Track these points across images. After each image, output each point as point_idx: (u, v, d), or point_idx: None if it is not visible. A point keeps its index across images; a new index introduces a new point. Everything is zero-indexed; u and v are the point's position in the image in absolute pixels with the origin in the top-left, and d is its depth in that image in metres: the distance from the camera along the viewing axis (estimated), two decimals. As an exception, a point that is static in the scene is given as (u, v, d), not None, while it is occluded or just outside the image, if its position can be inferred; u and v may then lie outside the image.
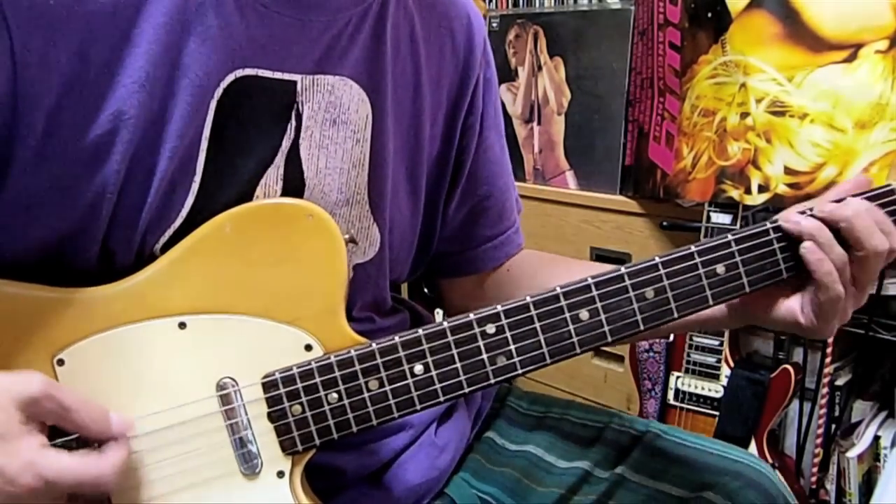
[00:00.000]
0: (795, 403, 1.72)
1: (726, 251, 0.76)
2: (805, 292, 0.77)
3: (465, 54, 0.91)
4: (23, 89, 0.64)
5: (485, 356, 0.74)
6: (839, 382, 1.70)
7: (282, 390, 0.72)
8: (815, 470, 1.71)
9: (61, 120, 0.65)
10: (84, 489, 0.62)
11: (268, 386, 0.72)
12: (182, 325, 0.71)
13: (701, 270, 0.76)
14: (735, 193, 1.53)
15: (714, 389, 1.68)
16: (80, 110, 0.66)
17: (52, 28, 0.63)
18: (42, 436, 0.61)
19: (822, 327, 0.77)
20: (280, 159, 0.77)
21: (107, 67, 0.66)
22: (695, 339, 1.68)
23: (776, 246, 0.77)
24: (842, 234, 0.75)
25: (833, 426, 1.71)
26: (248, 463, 0.72)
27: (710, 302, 0.76)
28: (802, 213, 0.77)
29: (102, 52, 0.66)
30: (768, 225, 0.77)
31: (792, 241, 0.77)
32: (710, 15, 1.56)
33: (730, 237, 0.76)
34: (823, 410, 1.70)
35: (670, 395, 1.73)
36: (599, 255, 1.97)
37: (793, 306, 0.78)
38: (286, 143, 0.77)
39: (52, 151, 0.66)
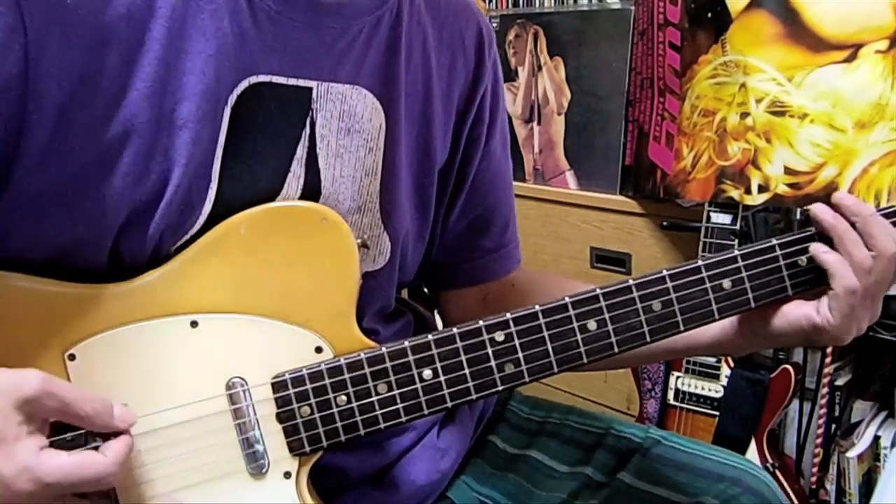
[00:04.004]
0: (795, 403, 1.73)
1: (733, 266, 0.78)
2: (820, 297, 0.78)
3: (476, 65, 0.92)
4: (34, 85, 0.63)
5: (493, 363, 0.74)
6: (839, 382, 1.70)
7: (291, 391, 0.72)
8: (815, 470, 1.72)
9: (72, 119, 0.65)
10: (86, 488, 0.61)
11: (277, 386, 0.72)
12: (194, 324, 0.71)
13: (708, 285, 0.77)
14: (735, 193, 1.53)
15: (714, 389, 1.68)
16: (92, 111, 0.66)
17: (68, 27, 0.63)
18: (41, 437, 0.60)
19: (840, 329, 0.77)
20: (298, 168, 0.77)
21: (120, 70, 0.66)
22: (695, 339, 1.68)
23: (782, 263, 0.78)
24: (856, 230, 0.76)
25: (833, 426, 1.71)
26: (255, 463, 0.72)
27: (716, 316, 0.78)
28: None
29: (116, 54, 0.66)
30: (774, 241, 0.78)
31: (798, 257, 0.78)
32: (710, 15, 1.56)
33: (736, 252, 0.78)
34: (823, 410, 1.70)
35: (670, 395, 1.74)
36: (599, 255, 1.97)
37: (808, 311, 0.78)
38: (301, 151, 0.77)
39: (62, 151, 0.65)
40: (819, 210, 0.78)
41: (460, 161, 0.93)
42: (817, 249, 0.77)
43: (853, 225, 0.76)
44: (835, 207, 0.78)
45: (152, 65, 0.67)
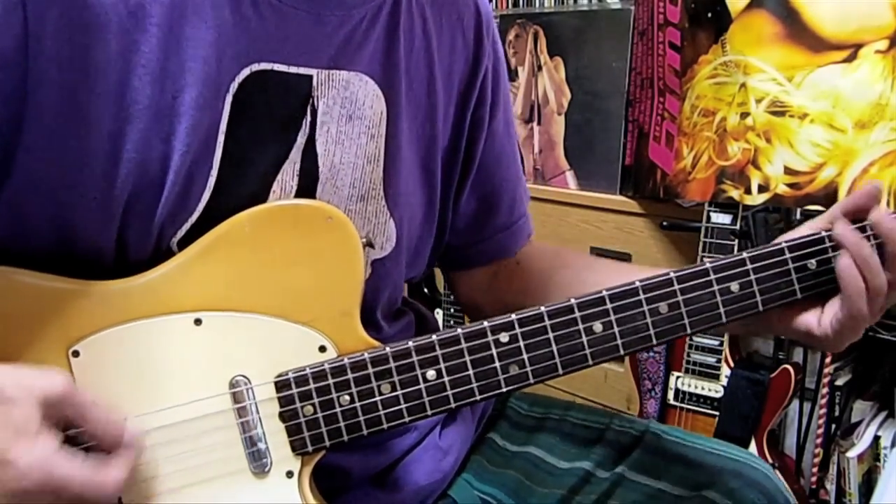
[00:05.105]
0: (795, 403, 1.73)
1: (741, 269, 0.76)
2: (824, 307, 0.77)
3: (475, 45, 0.92)
4: (34, 64, 0.63)
5: (497, 364, 0.74)
6: (839, 382, 1.70)
7: (294, 391, 0.72)
8: (815, 470, 1.71)
9: (74, 105, 0.65)
10: (86, 498, 0.61)
11: (280, 386, 0.72)
12: (198, 322, 0.71)
13: (715, 287, 0.76)
14: (735, 193, 1.53)
15: (714, 389, 1.68)
16: (94, 97, 0.66)
17: (68, 8, 0.64)
18: (59, 436, 0.61)
19: (836, 342, 0.77)
20: (296, 154, 0.77)
21: (121, 56, 0.66)
22: (695, 339, 1.68)
23: (791, 266, 0.77)
24: (883, 250, 0.75)
25: (833, 426, 1.71)
26: (258, 462, 0.72)
27: (724, 319, 0.76)
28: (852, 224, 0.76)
29: (117, 39, 0.66)
30: (783, 244, 0.77)
31: (807, 261, 0.77)
32: (710, 15, 1.56)
33: (745, 255, 0.76)
34: (823, 410, 1.70)
35: (670, 395, 1.74)
36: (599, 256, 1.96)
37: (809, 320, 0.78)
38: (301, 139, 0.77)
39: (65, 137, 0.66)
40: (842, 230, 0.75)
41: (466, 143, 0.93)
42: (845, 270, 0.74)
43: (882, 245, 0.74)
44: (867, 223, 0.75)
45: (153, 51, 0.67)
